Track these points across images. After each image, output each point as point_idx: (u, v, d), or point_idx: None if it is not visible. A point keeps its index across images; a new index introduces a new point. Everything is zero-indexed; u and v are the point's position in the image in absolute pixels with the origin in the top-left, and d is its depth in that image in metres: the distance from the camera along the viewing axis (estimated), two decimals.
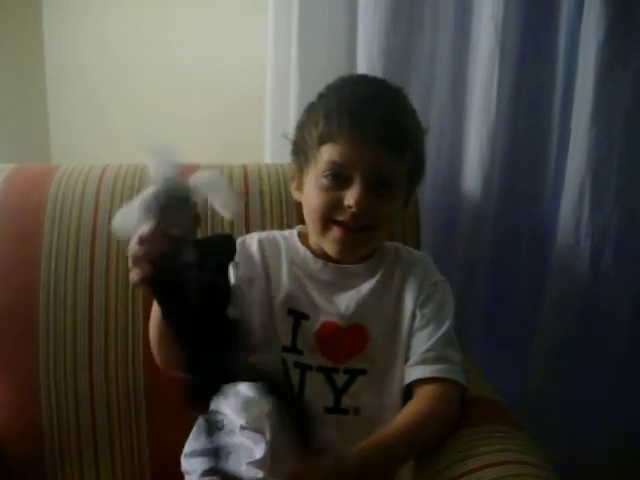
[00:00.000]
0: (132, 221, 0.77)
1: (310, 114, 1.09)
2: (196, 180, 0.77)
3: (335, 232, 1.04)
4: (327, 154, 1.03)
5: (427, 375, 1.03)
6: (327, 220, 1.04)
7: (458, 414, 1.03)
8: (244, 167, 1.32)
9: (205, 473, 1.05)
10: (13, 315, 1.21)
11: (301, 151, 1.09)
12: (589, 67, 1.34)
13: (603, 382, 1.48)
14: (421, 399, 1.02)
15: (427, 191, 1.50)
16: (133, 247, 0.78)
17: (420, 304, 1.09)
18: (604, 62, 1.33)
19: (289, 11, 1.43)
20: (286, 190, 1.26)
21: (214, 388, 0.81)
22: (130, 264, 0.79)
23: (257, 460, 1.01)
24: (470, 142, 1.48)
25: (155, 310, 0.96)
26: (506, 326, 1.58)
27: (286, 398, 0.87)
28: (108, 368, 1.20)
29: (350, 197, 1.01)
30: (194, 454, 1.10)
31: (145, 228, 0.76)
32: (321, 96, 1.10)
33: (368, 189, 1.01)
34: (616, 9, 1.31)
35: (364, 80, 1.15)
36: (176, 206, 0.75)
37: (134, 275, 0.79)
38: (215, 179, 0.78)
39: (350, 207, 1.01)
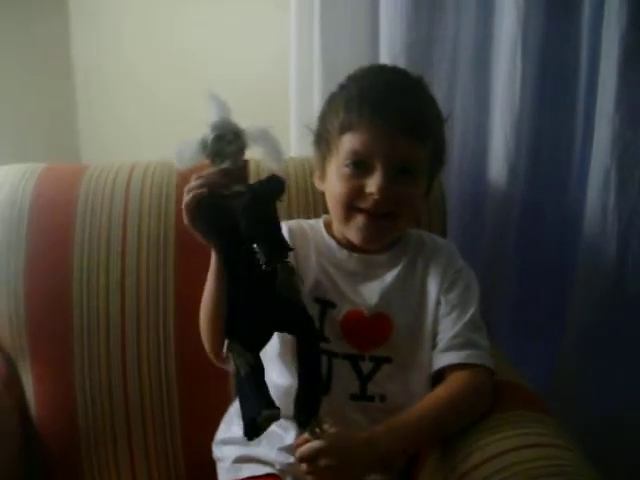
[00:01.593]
0: (189, 152, 0.85)
1: (331, 104, 1.10)
2: (248, 127, 0.84)
3: (358, 220, 1.05)
4: (348, 143, 1.04)
5: (454, 362, 1.04)
6: (350, 208, 1.05)
7: (489, 398, 1.03)
8: None
9: (237, 460, 1.07)
10: (49, 312, 1.24)
11: (323, 141, 1.10)
12: (612, 52, 1.33)
13: (633, 369, 1.47)
14: (447, 384, 1.03)
15: (453, 180, 1.50)
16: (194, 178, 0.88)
17: (444, 291, 1.09)
18: (627, 47, 1.31)
19: (311, 5, 1.44)
20: (312, 182, 1.27)
21: (252, 324, 0.84)
22: (186, 190, 0.88)
23: (288, 445, 1.03)
24: (495, 130, 1.48)
25: (208, 286, 1.01)
26: (534, 314, 1.57)
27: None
28: (141, 362, 1.23)
29: (372, 184, 1.01)
30: (225, 442, 1.12)
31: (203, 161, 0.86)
32: (342, 87, 1.10)
33: (390, 176, 1.02)
34: None
35: (384, 70, 1.16)
36: (231, 140, 0.83)
37: (184, 201, 0.87)
38: (265, 129, 0.85)
39: (372, 194, 1.02)
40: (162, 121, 1.65)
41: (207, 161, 0.86)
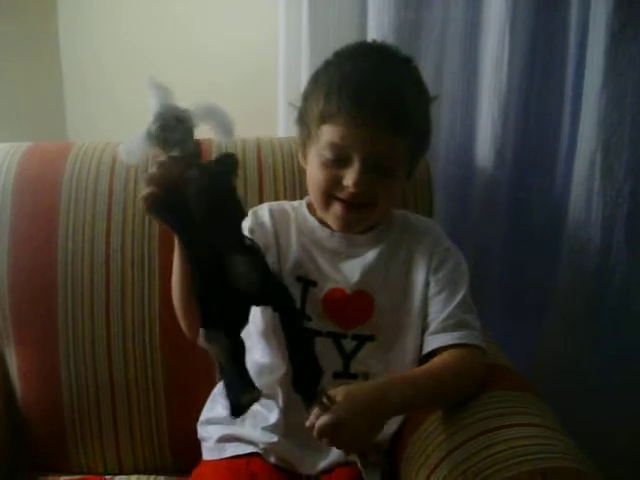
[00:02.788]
0: (137, 147, 0.81)
1: (314, 87, 1.09)
2: (193, 107, 0.80)
3: (336, 208, 1.06)
4: (327, 134, 1.03)
5: (449, 342, 1.04)
6: (328, 196, 1.06)
7: (482, 379, 1.03)
8: (257, 141, 1.34)
9: (220, 439, 1.07)
10: (34, 292, 1.23)
11: (304, 125, 1.10)
12: (600, 34, 1.33)
13: (616, 354, 1.48)
14: (446, 359, 1.02)
15: (440, 164, 1.50)
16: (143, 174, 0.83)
17: (433, 270, 1.09)
18: (614, 31, 1.31)
19: None
20: (298, 163, 1.27)
21: (230, 305, 0.81)
22: (144, 184, 0.82)
23: (271, 425, 1.03)
24: (482, 114, 1.47)
25: (175, 270, 0.98)
26: (520, 298, 1.58)
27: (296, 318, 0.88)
28: (126, 342, 1.22)
29: (349, 178, 1.02)
30: (210, 421, 1.12)
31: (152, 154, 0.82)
32: (327, 65, 1.09)
33: (367, 170, 1.02)
34: None
35: (371, 51, 1.12)
36: (175, 126, 0.79)
37: (142, 196, 0.82)
38: (211, 106, 0.81)
39: (348, 187, 1.02)
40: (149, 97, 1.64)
41: (158, 151, 0.82)
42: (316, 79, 1.10)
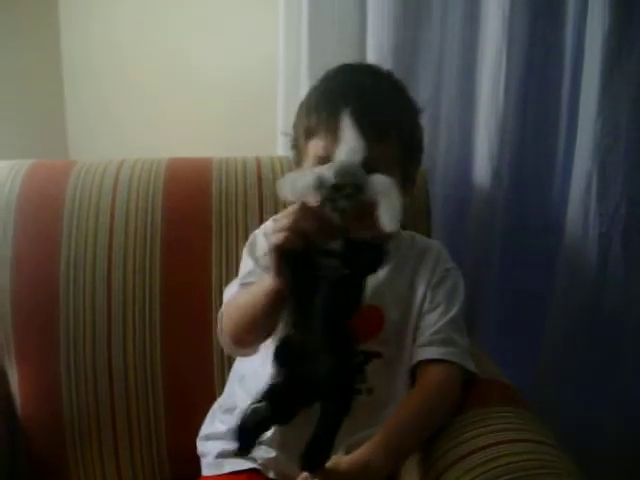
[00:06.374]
0: (302, 185, 0.77)
1: (300, 111, 1.12)
2: (372, 178, 0.78)
3: None
4: (312, 149, 1.05)
5: (434, 357, 1.05)
6: None
7: (459, 398, 1.04)
8: (257, 159, 1.35)
9: (219, 455, 1.08)
10: (36, 308, 1.24)
11: (295, 147, 1.13)
12: (595, 57, 1.35)
13: (614, 373, 1.48)
14: (426, 384, 1.04)
15: (438, 184, 1.52)
16: (294, 214, 0.81)
17: (432, 286, 1.11)
18: (610, 52, 1.33)
19: (299, 8, 1.45)
20: None
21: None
22: (281, 227, 0.82)
23: (267, 439, 1.03)
24: (479, 135, 1.49)
25: (249, 302, 0.99)
26: (517, 317, 1.58)
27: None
28: (127, 357, 1.23)
29: None
30: (209, 437, 1.12)
31: (312, 200, 0.78)
32: (311, 89, 1.13)
33: None
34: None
35: (351, 70, 1.14)
36: (349, 193, 0.75)
37: (277, 239, 0.82)
38: (389, 184, 0.79)
39: None
40: (150, 118, 1.67)
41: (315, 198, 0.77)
42: (301, 104, 1.13)
